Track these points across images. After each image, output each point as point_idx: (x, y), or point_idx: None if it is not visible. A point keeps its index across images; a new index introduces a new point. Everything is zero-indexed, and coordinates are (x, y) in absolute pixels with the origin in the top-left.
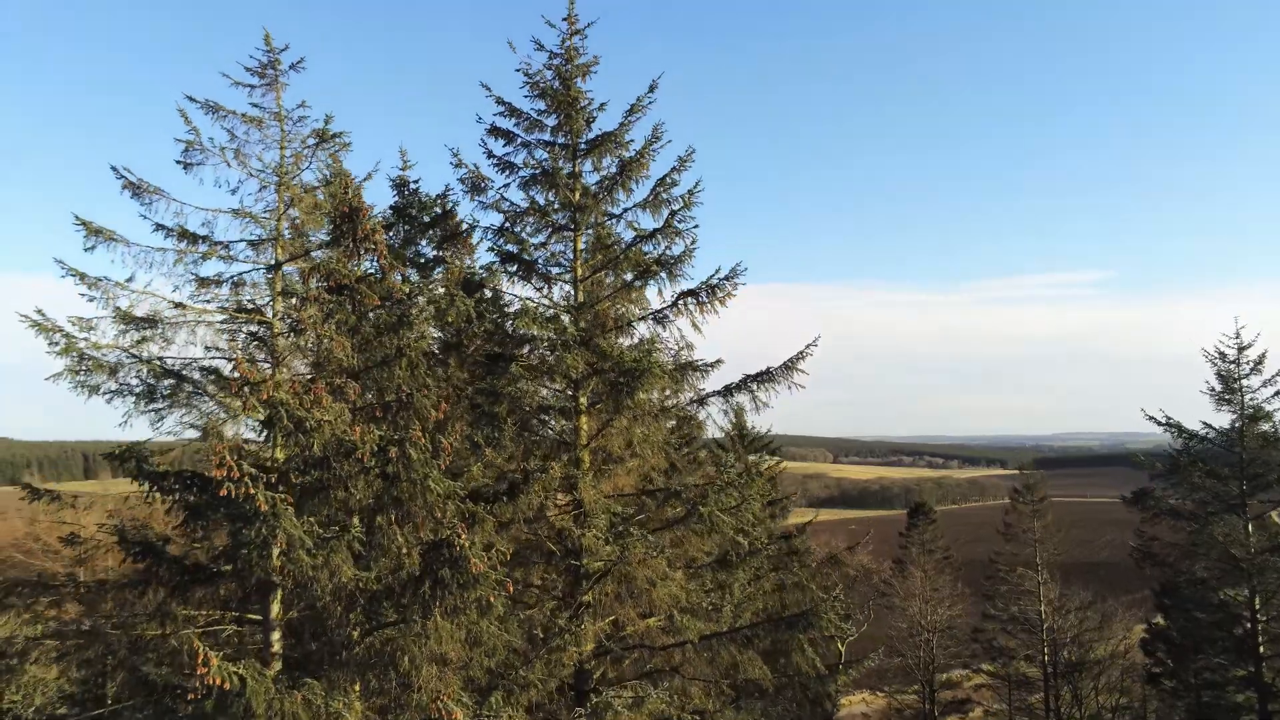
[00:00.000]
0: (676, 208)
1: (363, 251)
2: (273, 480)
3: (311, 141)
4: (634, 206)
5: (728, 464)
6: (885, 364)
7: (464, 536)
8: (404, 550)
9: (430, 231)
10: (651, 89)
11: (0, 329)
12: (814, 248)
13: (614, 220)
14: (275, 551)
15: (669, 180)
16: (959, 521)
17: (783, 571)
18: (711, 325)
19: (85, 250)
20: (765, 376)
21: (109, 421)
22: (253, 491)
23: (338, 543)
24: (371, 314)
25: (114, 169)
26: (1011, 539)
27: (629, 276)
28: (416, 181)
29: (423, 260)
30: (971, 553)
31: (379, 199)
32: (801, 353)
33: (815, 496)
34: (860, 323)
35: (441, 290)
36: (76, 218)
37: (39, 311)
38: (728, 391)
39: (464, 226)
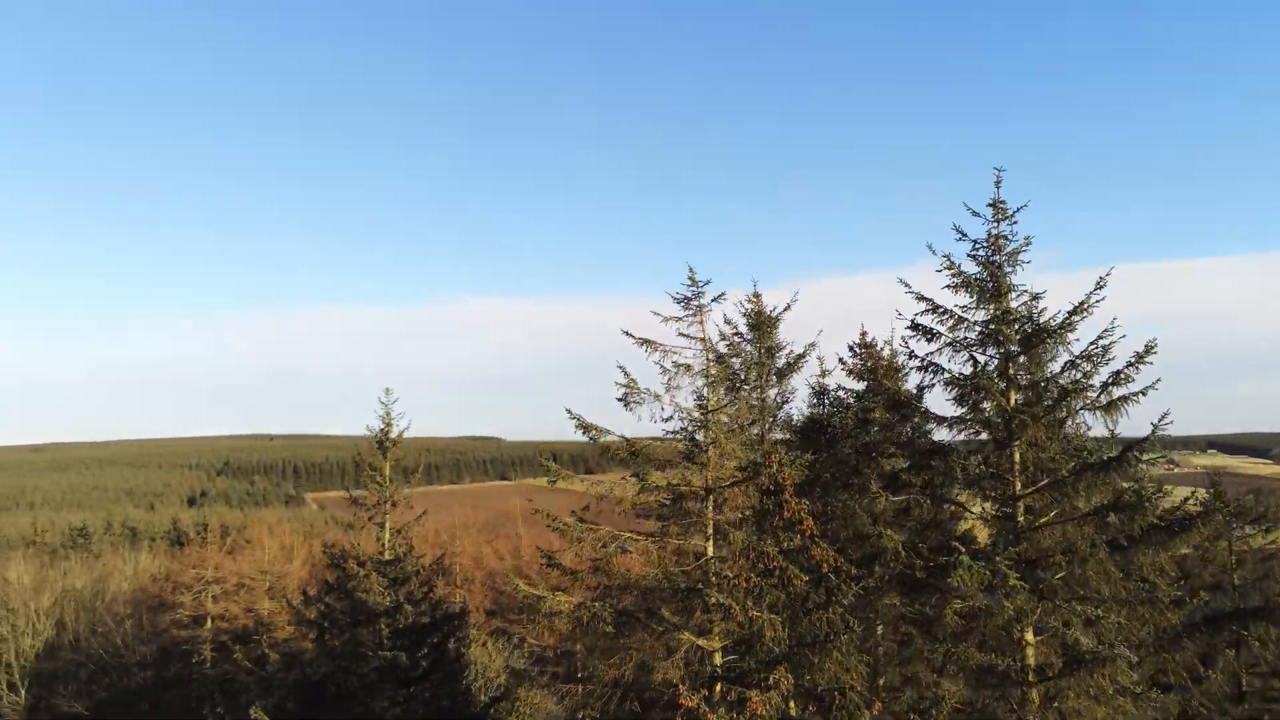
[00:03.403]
0: (1139, 438)
1: (788, 529)
2: None
3: (733, 373)
4: (1081, 409)
5: None
6: None
7: None
8: None
9: (849, 440)
10: (1099, 285)
11: (501, 347)
12: None
13: (1057, 426)
14: None
15: (1123, 377)
16: None
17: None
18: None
19: (549, 483)
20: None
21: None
22: None
23: None
24: (800, 593)
25: (568, 411)
26: None
27: (1079, 501)
28: (836, 389)
29: (843, 467)
30: None
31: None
32: None
33: None
34: None
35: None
36: (553, 454)
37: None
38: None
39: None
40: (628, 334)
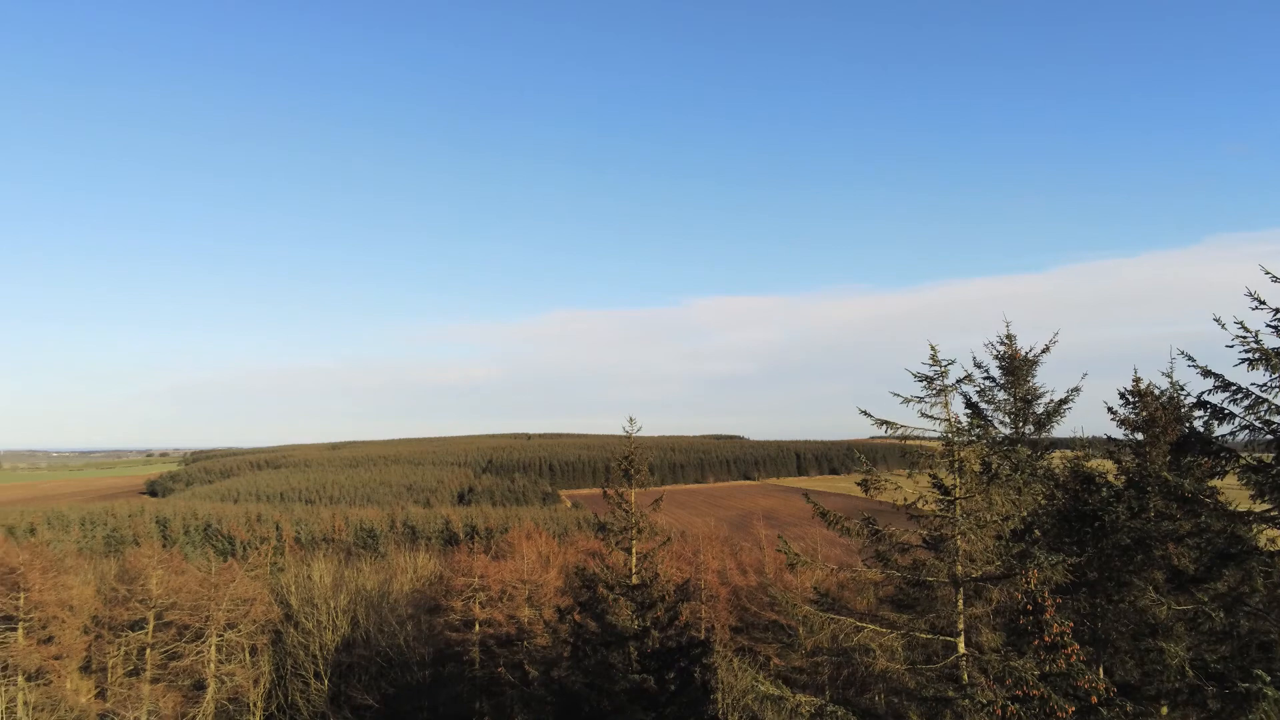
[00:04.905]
0: None
1: (1050, 651)
2: None
3: (988, 436)
4: None
5: None
6: None
7: None
8: None
9: (1120, 534)
10: None
11: (744, 345)
12: None
13: None
14: None
15: None
16: None
17: None
18: None
19: (788, 565)
20: None
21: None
22: None
23: None
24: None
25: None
26: None
27: None
28: (1102, 477)
29: (1113, 563)
30: None
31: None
32: None
33: None
34: None
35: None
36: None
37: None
38: None
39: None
40: (865, 414)
